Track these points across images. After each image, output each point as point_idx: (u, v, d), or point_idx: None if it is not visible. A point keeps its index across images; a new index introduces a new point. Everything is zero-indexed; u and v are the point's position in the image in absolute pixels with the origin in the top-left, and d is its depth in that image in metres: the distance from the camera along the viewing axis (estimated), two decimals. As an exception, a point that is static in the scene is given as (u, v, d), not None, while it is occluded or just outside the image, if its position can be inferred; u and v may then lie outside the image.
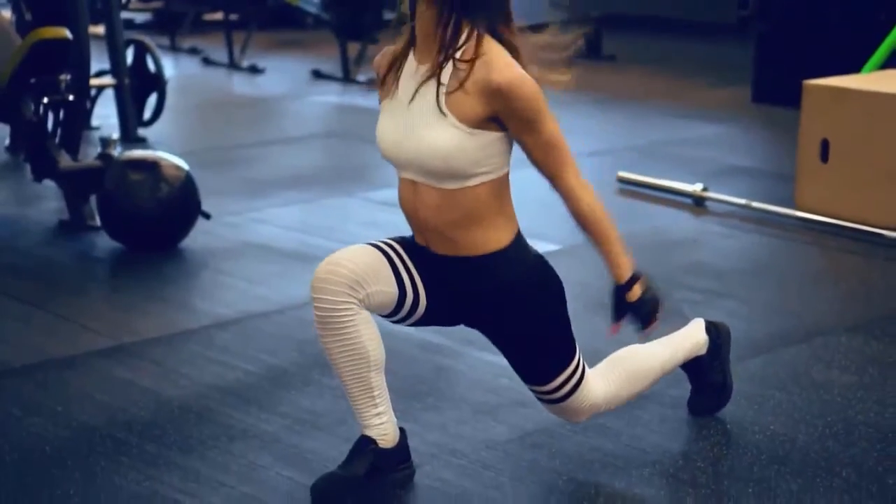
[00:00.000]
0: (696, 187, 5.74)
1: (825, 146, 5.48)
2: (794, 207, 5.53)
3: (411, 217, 2.97)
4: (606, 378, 3.19)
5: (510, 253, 2.93)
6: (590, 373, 3.15)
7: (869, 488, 3.07)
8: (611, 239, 2.94)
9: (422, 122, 2.82)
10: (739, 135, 7.40)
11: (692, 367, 3.43)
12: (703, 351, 3.41)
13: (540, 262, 3.00)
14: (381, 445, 3.00)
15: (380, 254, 2.94)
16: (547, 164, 2.88)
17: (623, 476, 3.13)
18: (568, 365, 3.06)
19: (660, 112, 8.03)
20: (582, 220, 2.91)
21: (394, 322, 3.05)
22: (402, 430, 3.06)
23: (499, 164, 2.87)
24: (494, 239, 2.92)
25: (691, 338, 3.40)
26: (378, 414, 3.00)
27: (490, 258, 2.92)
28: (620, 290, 2.97)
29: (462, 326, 2.97)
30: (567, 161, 2.88)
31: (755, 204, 5.57)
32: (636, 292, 2.97)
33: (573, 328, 3.07)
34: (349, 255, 2.90)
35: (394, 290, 2.93)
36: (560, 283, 3.02)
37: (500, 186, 2.90)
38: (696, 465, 3.19)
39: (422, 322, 3.05)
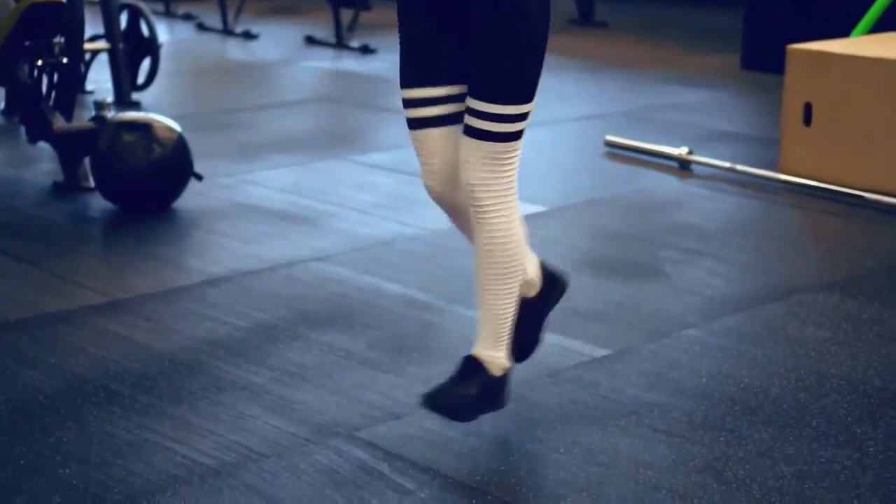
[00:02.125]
0: (682, 150, 5.82)
1: (808, 110, 5.56)
2: (777, 171, 5.61)
3: None
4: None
5: None
6: None
7: (838, 437, 3.17)
8: None
9: None
10: (727, 100, 7.47)
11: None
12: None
13: None
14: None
15: (442, 132, 3.03)
16: None
17: (600, 426, 3.22)
18: (527, 101, 3.00)
19: (649, 78, 8.09)
20: None
21: None
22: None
23: None
24: None
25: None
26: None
27: None
28: None
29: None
30: None
31: (739, 167, 5.65)
32: None
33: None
34: (446, 167, 3.04)
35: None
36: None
37: None
38: (671, 416, 3.28)
39: None
